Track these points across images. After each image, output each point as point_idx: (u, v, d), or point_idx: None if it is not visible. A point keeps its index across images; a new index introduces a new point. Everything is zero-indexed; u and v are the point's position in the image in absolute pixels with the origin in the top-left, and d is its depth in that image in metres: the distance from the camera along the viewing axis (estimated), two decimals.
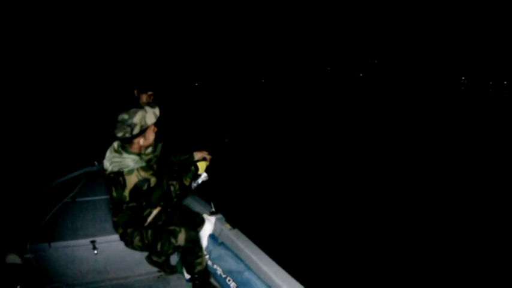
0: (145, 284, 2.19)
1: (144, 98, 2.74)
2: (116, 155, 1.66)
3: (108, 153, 1.70)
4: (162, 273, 2.26)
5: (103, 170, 1.71)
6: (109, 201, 1.80)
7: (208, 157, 2.02)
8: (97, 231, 2.15)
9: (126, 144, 1.68)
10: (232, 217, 2.21)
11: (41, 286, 2.04)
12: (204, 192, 2.66)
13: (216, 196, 2.42)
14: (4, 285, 1.79)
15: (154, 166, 1.80)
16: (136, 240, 1.82)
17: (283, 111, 19.07)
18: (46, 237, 2.05)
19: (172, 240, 1.84)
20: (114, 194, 1.69)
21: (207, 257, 2.04)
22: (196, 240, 1.93)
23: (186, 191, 1.85)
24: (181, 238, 1.85)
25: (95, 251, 2.02)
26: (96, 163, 3.04)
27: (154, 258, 2.17)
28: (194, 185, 1.90)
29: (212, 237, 2.13)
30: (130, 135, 1.61)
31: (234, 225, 2.09)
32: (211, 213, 2.25)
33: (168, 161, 2.00)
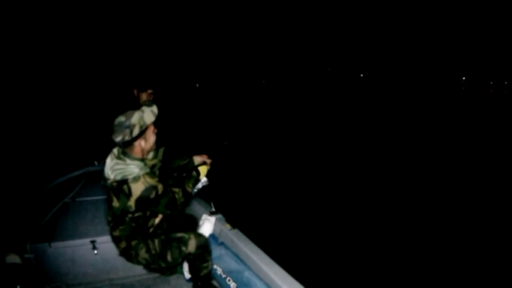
0: (145, 284, 2.18)
1: (144, 96, 2.74)
2: (119, 161, 1.55)
3: (108, 161, 1.60)
4: None
5: (104, 179, 1.61)
6: (108, 213, 1.68)
7: (208, 161, 1.96)
8: (97, 231, 2.14)
9: (127, 150, 1.58)
10: (232, 217, 2.20)
11: (41, 286, 2.04)
12: (204, 192, 2.66)
13: (216, 196, 2.42)
14: (4, 285, 1.79)
15: (157, 172, 1.71)
16: (143, 252, 1.70)
17: (283, 111, 19.08)
18: (46, 237, 2.05)
19: (183, 248, 1.75)
20: (117, 204, 1.58)
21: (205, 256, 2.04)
22: (207, 246, 1.86)
23: (189, 198, 1.78)
24: (192, 245, 1.77)
25: (95, 251, 2.02)
26: (96, 163, 3.04)
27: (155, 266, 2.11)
28: (194, 190, 1.85)
29: (212, 237, 2.12)
30: (130, 138, 1.53)
31: (234, 225, 2.09)
32: (211, 213, 2.25)
33: (168, 167, 1.93)
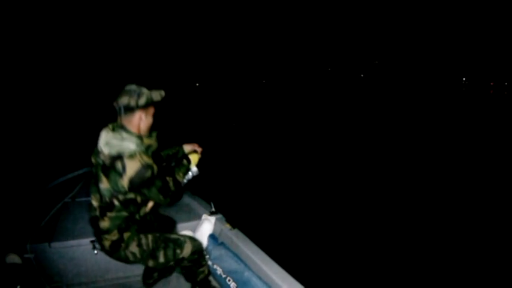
0: None
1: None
2: (115, 135, 1.44)
3: (103, 135, 1.46)
4: None
5: (96, 155, 1.49)
6: (93, 198, 1.54)
7: (199, 149, 1.86)
8: None
9: (125, 121, 1.48)
10: (232, 217, 2.21)
11: (41, 286, 2.04)
12: (204, 192, 2.67)
13: (216, 196, 2.42)
14: (4, 285, 1.79)
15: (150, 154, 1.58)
16: (133, 245, 1.56)
17: (284, 111, 19.08)
18: (46, 237, 2.05)
19: (178, 250, 1.67)
20: (106, 185, 1.44)
21: (207, 257, 2.04)
22: (202, 251, 1.79)
23: (179, 188, 1.66)
24: (187, 249, 1.69)
25: (95, 251, 2.02)
26: None
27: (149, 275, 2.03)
28: (184, 181, 1.73)
29: (212, 237, 2.13)
30: (135, 105, 1.46)
31: (234, 225, 2.09)
32: (211, 213, 2.25)
33: (157, 156, 1.77)
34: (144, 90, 1.49)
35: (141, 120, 1.50)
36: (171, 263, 1.68)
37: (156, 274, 2.06)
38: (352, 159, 8.29)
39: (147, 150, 1.52)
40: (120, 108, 1.47)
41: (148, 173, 1.42)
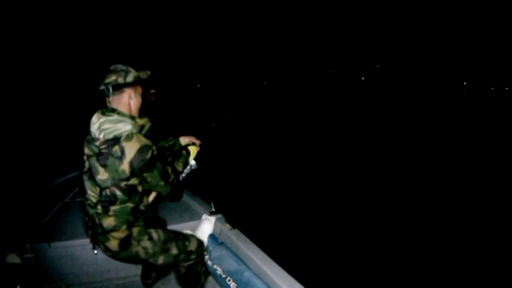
0: None
1: (146, 97, 2.75)
2: (108, 118, 1.34)
3: (95, 120, 1.36)
4: None
5: (89, 142, 1.39)
6: (90, 194, 1.41)
7: (197, 142, 1.80)
8: None
9: (114, 102, 1.40)
10: (232, 217, 2.20)
11: (41, 286, 2.04)
12: (204, 192, 2.67)
13: (216, 196, 2.42)
14: (4, 285, 1.79)
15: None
16: (145, 241, 1.49)
17: (284, 112, 19.09)
18: (46, 237, 2.05)
19: (186, 243, 1.66)
20: (105, 175, 1.34)
21: (207, 257, 2.04)
22: (203, 246, 1.82)
23: (179, 181, 1.62)
24: (194, 242, 1.70)
25: (95, 251, 2.02)
26: None
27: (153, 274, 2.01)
28: (183, 175, 1.69)
29: (212, 237, 2.12)
30: (123, 81, 1.38)
31: (234, 225, 2.09)
32: (211, 213, 2.25)
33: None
34: (130, 69, 1.43)
35: (131, 99, 1.43)
36: (181, 256, 1.64)
37: (154, 274, 2.06)
38: (353, 160, 8.29)
39: (140, 131, 1.45)
40: (108, 88, 1.37)
41: (149, 154, 1.34)
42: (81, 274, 2.11)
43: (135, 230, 1.47)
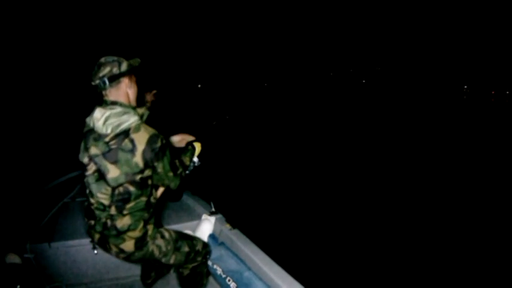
0: None
1: (147, 97, 2.75)
2: (113, 111, 1.29)
3: (98, 114, 1.29)
4: None
5: (96, 140, 1.31)
6: (101, 196, 1.33)
7: (189, 138, 1.76)
8: None
9: (111, 95, 1.34)
10: (232, 217, 2.20)
11: (41, 286, 2.04)
12: (204, 192, 2.67)
13: (216, 196, 2.42)
14: (4, 285, 1.79)
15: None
16: (158, 239, 1.47)
17: (285, 114, 19.10)
18: (46, 237, 2.05)
19: (194, 241, 1.68)
20: (116, 172, 1.28)
21: (207, 257, 2.04)
22: (207, 245, 1.84)
23: (187, 175, 1.60)
24: (200, 242, 1.73)
25: (95, 251, 2.02)
26: None
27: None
28: (186, 171, 1.67)
29: (212, 237, 2.12)
30: (118, 71, 1.33)
31: (234, 225, 2.09)
32: (211, 213, 2.25)
33: None
34: (121, 58, 1.39)
35: (128, 88, 1.39)
36: (192, 254, 1.64)
37: (153, 273, 2.07)
38: (353, 161, 8.29)
39: (141, 119, 1.41)
40: (104, 81, 1.32)
41: (158, 142, 1.32)
42: (81, 274, 2.11)
43: (150, 228, 1.44)
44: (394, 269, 3.36)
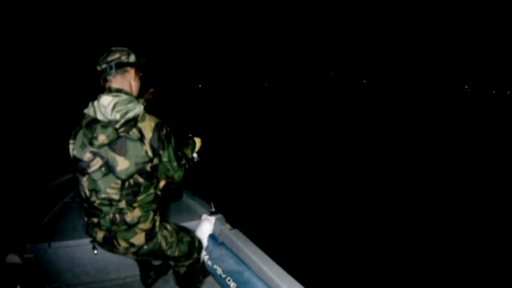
0: None
1: (145, 95, 2.75)
2: (120, 99, 1.25)
3: (105, 102, 1.24)
4: None
5: (105, 127, 1.24)
6: (111, 193, 1.28)
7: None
8: None
9: (117, 82, 1.33)
10: (232, 217, 2.20)
11: (41, 286, 2.04)
12: (204, 192, 2.67)
13: (216, 196, 2.42)
14: (4, 285, 1.79)
15: None
16: (163, 230, 1.48)
17: (286, 113, 19.10)
18: (46, 237, 2.05)
19: (192, 234, 1.70)
20: (126, 163, 1.25)
21: (207, 257, 2.04)
22: (201, 241, 1.84)
23: (190, 167, 1.58)
24: (196, 236, 1.75)
25: (95, 251, 2.01)
26: None
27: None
28: (190, 164, 1.67)
29: (212, 237, 2.12)
30: (127, 60, 1.33)
31: (234, 225, 2.09)
32: (211, 213, 2.25)
33: None
34: (130, 51, 1.39)
35: (133, 80, 1.38)
36: (194, 244, 1.67)
37: (152, 273, 2.07)
38: (353, 161, 8.29)
39: None
40: (111, 66, 1.30)
41: (163, 130, 1.32)
42: (81, 274, 2.11)
43: (158, 219, 1.44)
44: (394, 269, 3.36)
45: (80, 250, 2.05)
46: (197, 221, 2.30)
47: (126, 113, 1.24)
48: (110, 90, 1.31)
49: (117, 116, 1.23)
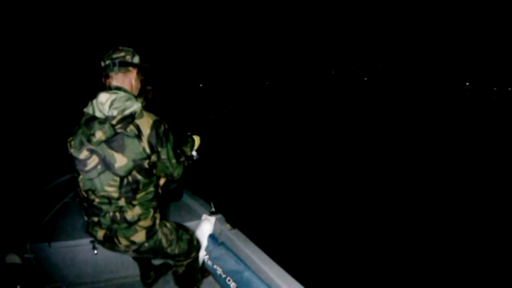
0: None
1: (143, 93, 2.74)
2: (118, 96, 1.27)
3: (103, 99, 1.25)
4: None
5: (101, 123, 1.24)
6: (111, 191, 1.28)
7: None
8: None
9: (118, 80, 1.35)
10: (232, 217, 2.20)
11: (41, 286, 2.04)
12: (204, 192, 2.66)
13: (216, 196, 2.42)
14: (4, 285, 1.79)
15: None
16: (163, 228, 1.47)
17: (286, 112, 19.09)
18: (46, 237, 2.05)
19: (190, 232, 1.69)
20: (124, 160, 1.25)
21: (207, 257, 2.04)
22: (198, 240, 1.84)
23: (189, 164, 1.60)
24: (194, 235, 1.74)
25: (95, 251, 2.02)
26: None
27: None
28: (189, 161, 1.67)
29: (212, 237, 2.12)
30: (130, 60, 1.36)
31: (234, 225, 2.09)
32: (211, 213, 2.25)
33: None
34: (136, 53, 1.41)
35: (134, 80, 1.39)
36: (192, 243, 1.66)
37: (152, 273, 2.07)
38: (353, 160, 8.28)
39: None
40: (114, 63, 1.33)
41: (162, 127, 1.32)
42: (81, 274, 2.11)
43: (158, 217, 1.44)
44: (394, 269, 3.36)
45: (80, 250, 2.05)
46: (197, 221, 2.30)
47: (124, 110, 1.25)
48: (109, 88, 1.34)
49: (115, 113, 1.24)
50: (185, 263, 1.72)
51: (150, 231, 1.40)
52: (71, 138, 1.34)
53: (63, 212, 2.41)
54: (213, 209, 2.28)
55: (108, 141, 1.25)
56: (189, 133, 1.77)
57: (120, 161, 1.25)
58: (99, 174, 1.27)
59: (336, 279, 3.12)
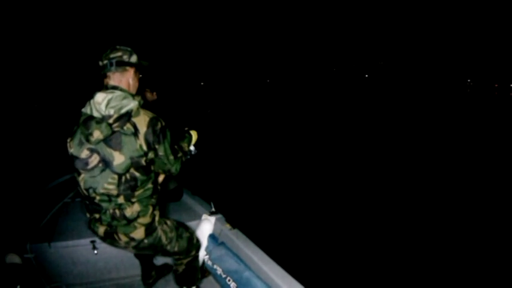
0: None
1: (148, 95, 2.74)
2: (114, 95, 1.28)
3: (99, 99, 1.27)
4: None
5: (99, 123, 1.26)
6: (110, 188, 1.29)
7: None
8: None
9: (115, 79, 1.36)
10: (232, 217, 2.20)
11: (41, 286, 2.04)
12: (204, 192, 2.66)
13: (216, 196, 2.42)
14: (4, 285, 1.79)
15: None
16: (163, 225, 1.48)
17: (287, 110, 19.09)
18: (46, 237, 2.05)
19: (190, 230, 1.69)
20: (121, 158, 1.27)
21: (207, 257, 2.04)
22: (198, 239, 1.84)
23: (187, 160, 1.62)
24: (194, 234, 1.74)
25: (95, 251, 2.02)
26: None
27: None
28: (187, 157, 1.68)
29: (212, 237, 2.12)
30: (128, 60, 1.38)
31: (234, 225, 2.09)
32: (211, 213, 2.25)
33: None
34: (133, 52, 1.43)
35: (131, 80, 1.41)
36: (192, 241, 1.67)
37: (154, 273, 2.07)
38: (353, 159, 8.27)
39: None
40: (111, 63, 1.35)
41: (158, 125, 1.34)
42: (81, 274, 2.11)
43: (157, 214, 1.46)
44: (394, 269, 3.35)
45: (80, 250, 2.06)
46: (197, 221, 2.30)
47: (120, 108, 1.26)
48: (106, 88, 1.35)
49: (111, 112, 1.25)
50: (185, 261, 1.72)
51: (150, 228, 1.41)
52: (70, 138, 1.37)
53: (63, 212, 2.41)
54: (213, 209, 2.28)
55: (106, 140, 1.27)
56: (186, 128, 1.78)
57: (118, 159, 1.27)
58: (101, 172, 1.30)
59: (336, 279, 3.12)
